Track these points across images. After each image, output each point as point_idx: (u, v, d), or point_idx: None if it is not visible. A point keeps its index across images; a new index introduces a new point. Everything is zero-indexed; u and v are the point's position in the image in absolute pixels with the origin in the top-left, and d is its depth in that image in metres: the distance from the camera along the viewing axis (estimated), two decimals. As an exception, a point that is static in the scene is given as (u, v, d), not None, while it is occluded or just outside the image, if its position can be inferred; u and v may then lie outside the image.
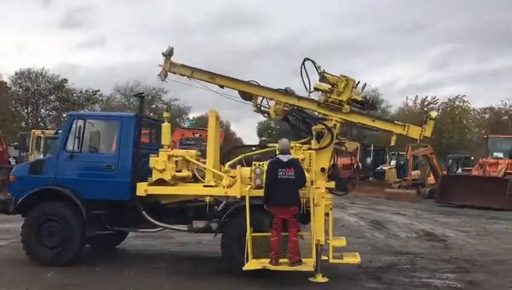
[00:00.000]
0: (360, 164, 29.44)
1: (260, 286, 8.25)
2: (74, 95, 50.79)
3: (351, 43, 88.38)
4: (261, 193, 8.77)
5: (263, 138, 56.65)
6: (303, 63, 9.45)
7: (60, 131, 23.63)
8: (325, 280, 8.44)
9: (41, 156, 20.83)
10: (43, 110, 51.62)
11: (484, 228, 16.31)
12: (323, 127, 9.44)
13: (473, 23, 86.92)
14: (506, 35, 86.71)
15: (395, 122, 9.67)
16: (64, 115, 50.71)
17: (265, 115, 10.45)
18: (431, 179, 29.21)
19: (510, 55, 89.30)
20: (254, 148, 10.64)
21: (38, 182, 9.34)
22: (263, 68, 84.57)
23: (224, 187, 9.10)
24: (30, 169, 9.61)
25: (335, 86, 9.37)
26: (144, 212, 9.27)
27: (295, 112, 9.80)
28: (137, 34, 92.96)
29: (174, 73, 9.75)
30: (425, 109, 53.48)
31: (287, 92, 9.78)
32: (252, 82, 9.81)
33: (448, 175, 26.46)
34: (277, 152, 9.20)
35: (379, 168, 30.75)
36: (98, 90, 52.01)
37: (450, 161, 32.21)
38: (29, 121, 49.49)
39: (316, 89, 9.71)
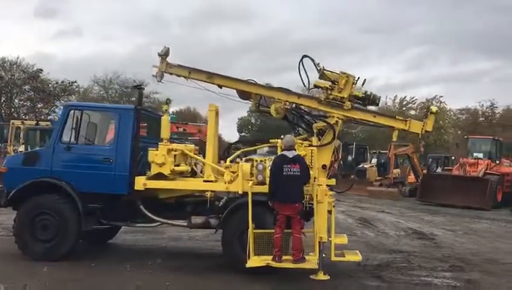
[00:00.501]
0: (341, 162, 29.54)
1: (261, 283, 8.15)
2: (50, 85, 49.50)
3: (330, 42, 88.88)
4: (263, 189, 8.69)
5: (243, 134, 56.44)
6: (301, 60, 9.37)
7: (40, 122, 23.27)
8: (327, 277, 8.37)
9: (22, 148, 20.33)
10: (16, 101, 50.28)
11: (469, 227, 16.56)
12: (325, 124, 9.39)
13: (447, 27, 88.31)
14: (479, 39, 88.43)
15: (397, 117, 9.67)
16: (39, 105, 49.79)
17: (265, 114, 10.41)
18: (411, 178, 29.59)
19: (482, 59, 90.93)
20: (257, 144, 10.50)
21: (33, 174, 9.04)
22: (242, 64, 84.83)
23: (225, 183, 8.97)
24: (24, 160, 9.29)
25: (335, 82, 9.33)
26: (142, 206, 9.08)
27: (294, 110, 9.73)
28: (114, 25, 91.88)
29: (171, 74, 9.56)
30: (404, 108, 54.20)
31: (287, 90, 9.70)
32: (250, 81, 9.70)
33: (430, 174, 26.81)
34: (278, 149, 9.16)
35: (360, 166, 30.92)
36: (75, 82, 50.82)
37: (430, 160, 32.67)
38: (3, 111, 48.15)
39: (316, 86, 9.65)
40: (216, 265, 9.22)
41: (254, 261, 8.20)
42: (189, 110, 59.11)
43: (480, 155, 25.87)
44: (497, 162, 25.63)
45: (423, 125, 9.22)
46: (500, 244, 13.21)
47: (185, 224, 9.22)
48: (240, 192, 8.80)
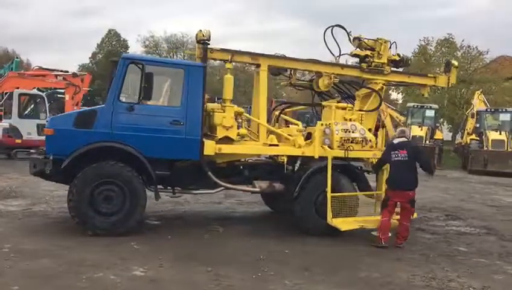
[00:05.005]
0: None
1: (333, 241, 8.35)
2: None
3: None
4: (339, 153, 8.91)
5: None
6: (331, 30, 9.56)
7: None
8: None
9: None
10: None
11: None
12: (369, 90, 9.81)
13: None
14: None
15: (427, 75, 10.56)
16: None
17: (299, 88, 10.83)
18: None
19: (287, 18, 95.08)
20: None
21: (89, 137, 7.72)
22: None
23: (299, 146, 8.89)
24: (76, 121, 7.78)
25: (374, 49, 9.78)
26: (209, 172, 8.47)
27: (341, 82, 10.05)
28: None
29: (212, 59, 9.07)
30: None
31: (329, 63, 9.81)
32: (282, 56, 9.57)
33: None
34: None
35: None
36: None
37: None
38: None
39: (356, 56, 9.91)
40: (273, 228, 9.21)
41: (347, 224, 8.44)
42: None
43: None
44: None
45: (448, 79, 10.27)
46: (439, 195, 15.17)
47: (253, 189, 8.92)
48: (316, 157, 8.82)
